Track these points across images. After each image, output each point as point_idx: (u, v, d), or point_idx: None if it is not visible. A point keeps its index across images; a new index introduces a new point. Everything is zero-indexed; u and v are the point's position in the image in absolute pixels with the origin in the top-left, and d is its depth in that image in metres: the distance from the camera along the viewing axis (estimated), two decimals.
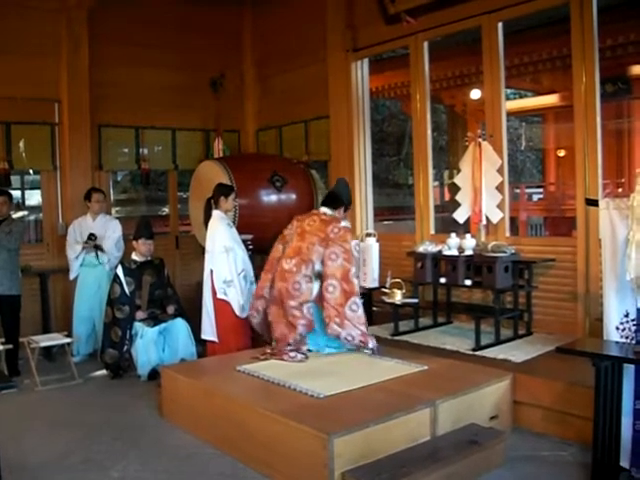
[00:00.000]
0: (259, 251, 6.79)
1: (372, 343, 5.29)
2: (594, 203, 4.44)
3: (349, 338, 5.22)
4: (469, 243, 5.85)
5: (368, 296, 6.55)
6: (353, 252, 5.34)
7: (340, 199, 5.68)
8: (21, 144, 7.62)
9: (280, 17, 8.68)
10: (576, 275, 5.66)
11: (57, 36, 7.72)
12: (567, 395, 4.45)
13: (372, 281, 6.45)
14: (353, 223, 7.63)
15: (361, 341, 5.25)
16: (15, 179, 10.84)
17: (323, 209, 5.61)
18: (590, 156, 5.52)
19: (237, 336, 6.01)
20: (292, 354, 5.26)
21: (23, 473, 4.10)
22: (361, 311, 5.27)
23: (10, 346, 6.16)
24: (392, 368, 4.93)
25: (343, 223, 5.44)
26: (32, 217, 10.90)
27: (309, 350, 5.39)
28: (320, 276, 5.31)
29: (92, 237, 6.98)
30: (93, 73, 7.84)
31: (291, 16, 8.45)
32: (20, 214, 10.44)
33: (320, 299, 5.30)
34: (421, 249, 6.11)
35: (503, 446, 4.17)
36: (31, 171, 10.84)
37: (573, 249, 5.71)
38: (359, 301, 5.27)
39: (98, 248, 7.02)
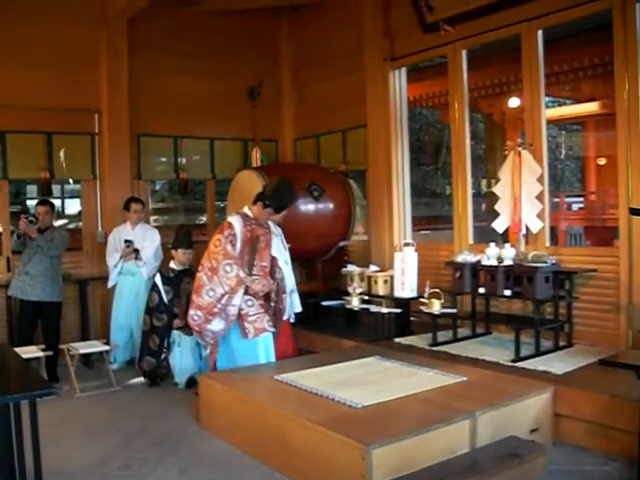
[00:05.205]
0: (296, 260, 6.76)
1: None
2: (638, 212, 4.36)
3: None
4: (508, 253, 5.76)
5: (406, 306, 6.51)
6: (211, 247, 5.30)
7: (261, 195, 5.57)
8: (62, 154, 7.75)
9: (317, 26, 8.71)
10: (619, 286, 5.55)
11: (97, 47, 7.85)
12: (611, 408, 4.34)
13: (410, 291, 6.41)
14: (391, 233, 7.61)
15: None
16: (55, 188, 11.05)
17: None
18: (633, 164, 5.42)
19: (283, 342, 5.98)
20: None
21: (62, 478, 4.13)
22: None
23: (50, 353, 6.24)
24: (431, 379, 4.88)
25: (229, 218, 5.47)
26: (71, 225, 11.09)
27: None
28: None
29: (128, 244, 7.06)
30: (132, 83, 7.95)
31: (328, 25, 8.47)
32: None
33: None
34: (460, 259, 6.05)
35: (544, 460, 4.07)
36: (71, 180, 11.05)
37: (615, 259, 5.61)
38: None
39: (137, 252, 7.10)
